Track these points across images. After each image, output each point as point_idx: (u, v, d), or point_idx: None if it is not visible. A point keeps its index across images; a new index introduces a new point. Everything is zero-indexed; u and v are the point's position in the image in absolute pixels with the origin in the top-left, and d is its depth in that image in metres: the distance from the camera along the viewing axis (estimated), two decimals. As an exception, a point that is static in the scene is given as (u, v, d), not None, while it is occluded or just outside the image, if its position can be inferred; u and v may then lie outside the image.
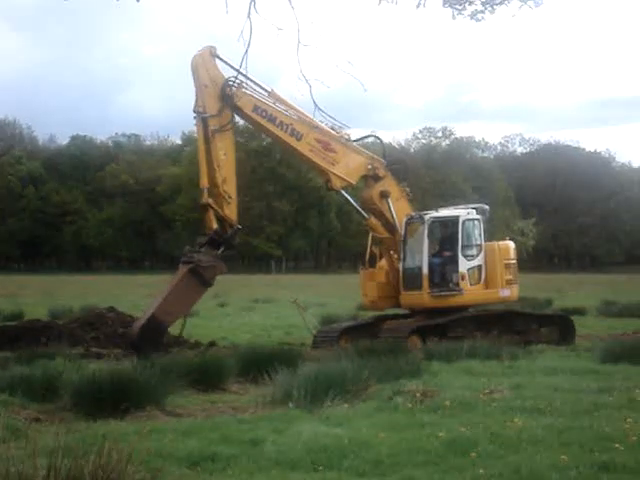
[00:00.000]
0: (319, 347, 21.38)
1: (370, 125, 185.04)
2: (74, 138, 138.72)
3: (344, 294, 45.67)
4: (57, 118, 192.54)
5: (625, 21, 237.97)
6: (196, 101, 21.56)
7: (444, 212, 23.48)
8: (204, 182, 21.15)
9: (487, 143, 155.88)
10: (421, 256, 22.51)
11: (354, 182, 23.28)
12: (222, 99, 21.46)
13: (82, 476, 5.95)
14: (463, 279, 22.45)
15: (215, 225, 21.21)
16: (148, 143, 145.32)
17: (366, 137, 26.02)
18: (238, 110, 21.81)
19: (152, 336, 19.96)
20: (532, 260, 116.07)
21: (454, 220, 22.78)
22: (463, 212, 23.03)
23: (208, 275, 20.82)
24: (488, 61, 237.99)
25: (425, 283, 22.42)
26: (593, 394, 12.45)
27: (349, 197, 23.59)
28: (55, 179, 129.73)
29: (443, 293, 22.41)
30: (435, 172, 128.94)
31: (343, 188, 23.12)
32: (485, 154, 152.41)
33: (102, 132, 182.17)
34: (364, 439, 9.52)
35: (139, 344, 19.80)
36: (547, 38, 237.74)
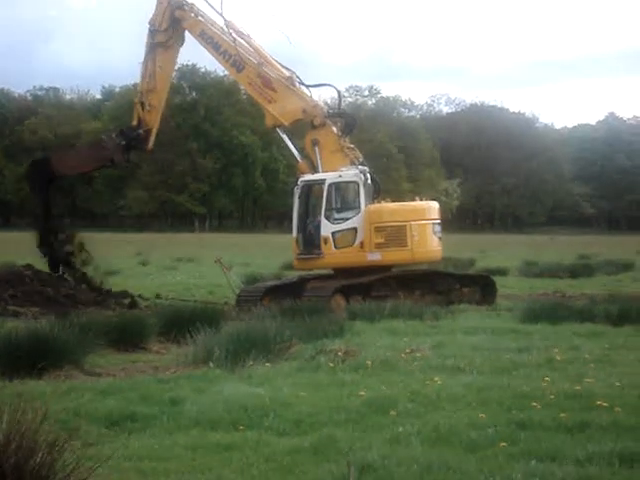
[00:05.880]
0: (242, 306, 21.28)
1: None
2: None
3: (269, 254, 45.61)
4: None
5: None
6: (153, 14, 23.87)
7: (315, 175, 22.90)
8: (141, 86, 24.21)
9: (413, 102, 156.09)
10: (292, 219, 22.91)
11: (286, 123, 23.49)
12: (171, 19, 23.57)
13: (-6, 435, 5.78)
14: (326, 243, 22.26)
15: (134, 122, 24.08)
16: (68, 97, 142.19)
17: (321, 85, 25.78)
18: (187, 31, 23.91)
19: (39, 175, 24.31)
20: (456, 220, 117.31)
21: (320, 183, 22.54)
22: (332, 175, 22.56)
23: (103, 153, 24.21)
24: (417, 21, 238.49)
25: (294, 246, 22.83)
26: (512, 353, 12.61)
27: (286, 138, 23.77)
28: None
29: (305, 256, 22.60)
30: (361, 131, 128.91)
31: (275, 127, 23.66)
32: (412, 113, 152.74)
33: (24, 85, 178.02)
34: (285, 398, 9.49)
35: (28, 177, 25.40)
36: (476, 1, 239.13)
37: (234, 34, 23.42)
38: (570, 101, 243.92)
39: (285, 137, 23.76)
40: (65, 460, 5.83)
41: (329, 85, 26.25)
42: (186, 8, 23.68)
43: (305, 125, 23.83)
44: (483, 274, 26.41)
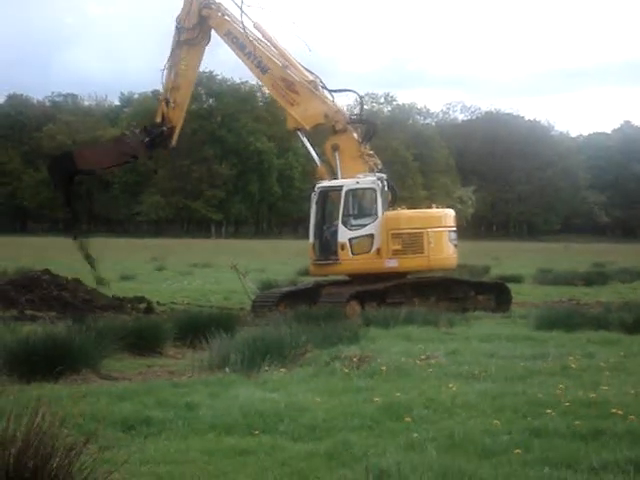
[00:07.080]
0: (258, 312, 21.33)
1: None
2: (10, 97, 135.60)
3: (284, 259, 45.60)
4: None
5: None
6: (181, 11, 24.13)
7: (332, 182, 22.98)
8: (166, 84, 24.26)
9: (429, 110, 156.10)
10: (309, 225, 22.93)
11: (307, 127, 23.54)
12: (199, 17, 23.72)
13: (14, 439, 5.84)
14: (343, 249, 22.28)
15: (158, 119, 24.24)
16: (86, 103, 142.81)
17: (344, 90, 25.73)
18: (213, 30, 24.03)
19: (61, 170, 24.65)
20: (471, 228, 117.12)
21: (338, 189, 22.61)
22: (349, 181, 22.59)
23: (126, 149, 24.41)
24: (433, 30, 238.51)
25: (310, 252, 22.86)
26: (527, 360, 12.60)
27: (306, 141, 23.79)
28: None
29: (322, 262, 22.61)
30: (377, 138, 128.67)
31: (295, 130, 23.71)
32: (427, 121, 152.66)
33: (42, 92, 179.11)
34: (300, 404, 9.52)
35: (51, 172, 25.68)
36: (492, 9, 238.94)
37: (260, 36, 23.58)
38: (586, 109, 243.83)
39: (305, 141, 23.79)
40: (82, 464, 5.88)
41: (352, 91, 26.10)
42: (213, 7, 23.87)
43: (325, 130, 23.86)
44: (498, 281, 26.40)
